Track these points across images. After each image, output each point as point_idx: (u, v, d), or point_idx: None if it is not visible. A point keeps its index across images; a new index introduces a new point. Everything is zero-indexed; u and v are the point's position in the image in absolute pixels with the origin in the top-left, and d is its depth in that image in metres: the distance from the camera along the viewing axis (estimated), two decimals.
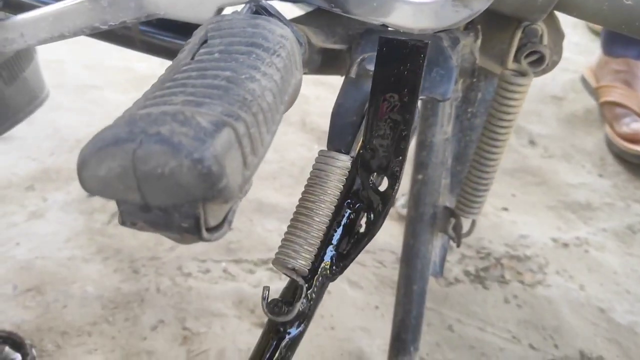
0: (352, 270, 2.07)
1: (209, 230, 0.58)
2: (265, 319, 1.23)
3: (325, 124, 2.88)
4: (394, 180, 0.98)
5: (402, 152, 0.96)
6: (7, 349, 1.72)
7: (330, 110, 1.03)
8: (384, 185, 1.03)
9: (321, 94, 3.25)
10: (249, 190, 0.70)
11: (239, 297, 1.92)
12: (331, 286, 1.96)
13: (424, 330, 1.83)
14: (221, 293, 1.93)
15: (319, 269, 1.00)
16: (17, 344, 1.72)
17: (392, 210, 2.41)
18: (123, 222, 0.59)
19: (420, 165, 1.38)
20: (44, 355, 1.71)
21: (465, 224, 1.44)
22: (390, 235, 2.25)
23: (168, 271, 2.02)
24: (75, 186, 2.46)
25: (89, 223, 2.25)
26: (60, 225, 2.23)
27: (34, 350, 1.71)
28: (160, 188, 0.53)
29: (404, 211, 2.37)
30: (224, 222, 0.61)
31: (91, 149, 0.55)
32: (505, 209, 2.38)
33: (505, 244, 2.18)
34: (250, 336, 1.78)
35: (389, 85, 0.92)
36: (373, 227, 1.03)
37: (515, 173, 2.61)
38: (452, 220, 1.42)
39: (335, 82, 3.35)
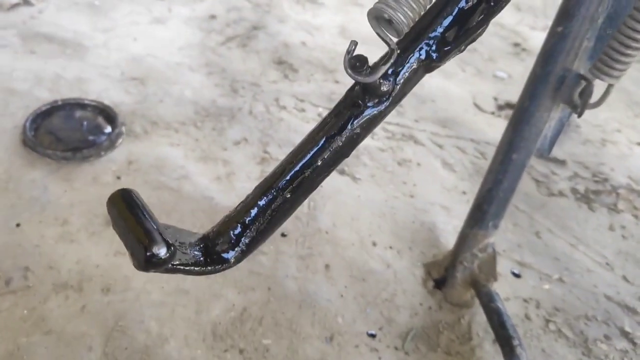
0: (450, 153, 1.91)
1: None
2: None
3: None
4: None
5: None
6: (100, 118, 1.79)
7: None
8: None
9: None
10: None
11: None
12: (422, 160, 1.83)
13: (508, 228, 1.68)
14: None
15: (417, 46, 0.87)
16: (110, 117, 1.78)
17: (510, 113, 2.18)
18: None
19: (563, 15, 1.16)
20: (131, 135, 1.76)
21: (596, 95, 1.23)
22: (502, 134, 2.05)
23: (265, 99, 1.98)
24: (201, 6, 2.45)
25: (205, 40, 2.24)
26: (178, 35, 2.24)
27: (123, 128, 1.76)
28: None
29: None
30: None
31: None
32: None
33: (628, 177, 1.91)
34: (330, 177, 1.71)
35: None
36: (491, 12, 0.87)
37: None
38: (581, 86, 1.20)
39: None
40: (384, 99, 0.88)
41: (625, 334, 1.42)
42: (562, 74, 1.22)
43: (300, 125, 1.89)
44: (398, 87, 0.88)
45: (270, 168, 1.72)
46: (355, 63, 0.83)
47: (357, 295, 1.42)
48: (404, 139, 1.91)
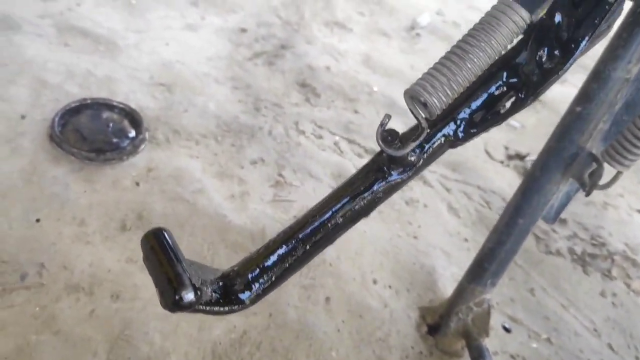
0: (457, 197, 1.97)
1: None
2: None
3: None
4: (568, 55, 0.87)
5: (592, 27, 0.84)
6: (125, 122, 1.84)
7: None
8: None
9: None
10: None
11: (339, 171, 1.90)
12: (429, 202, 1.88)
13: (504, 282, 1.73)
14: (325, 160, 1.92)
15: (445, 124, 0.93)
16: (136, 121, 1.83)
17: (519, 163, 2.25)
18: None
19: (584, 97, 1.22)
20: (153, 142, 1.81)
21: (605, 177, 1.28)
22: (508, 184, 2.11)
23: (285, 121, 2.04)
24: (234, 18, 2.51)
25: (233, 53, 2.30)
26: (208, 44, 2.30)
27: (147, 134, 1.82)
28: None
29: None
30: None
31: None
32: None
33: (625, 243, 1.97)
34: None
35: None
36: (520, 104, 0.92)
37: None
38: (593, 166, 1.26)
39: None
40: (409, 168, 0.94)
41: None
42: (575, 151, 1.28)
43: (316, 152, 1.95)
44: (422, 160, 0.94)
45: (283, 192, 1.78)
46: (387, 137, 0.89)
47: (352, 331, 1.48)
48: (415, 179, 1.97)
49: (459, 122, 0.92)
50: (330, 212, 0.94)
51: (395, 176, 0.94)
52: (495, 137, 2.32)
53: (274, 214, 1.70)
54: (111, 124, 1.81)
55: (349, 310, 1.52)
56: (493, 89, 0.92)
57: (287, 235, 0.95)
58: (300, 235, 0.94)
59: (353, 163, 1.96)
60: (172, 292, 0.77)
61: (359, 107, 2.23)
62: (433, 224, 1.85)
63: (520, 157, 2.25)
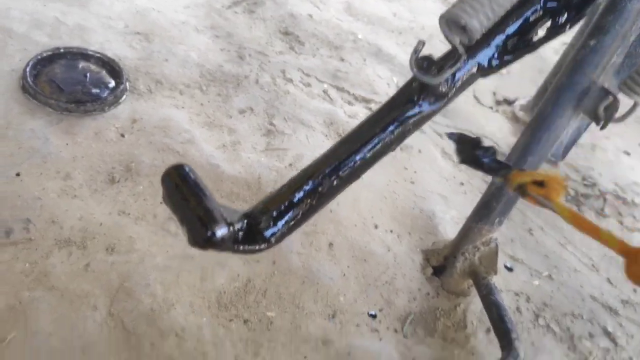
0: (449, 142, 1.94)
1: None
2: None
3: None
4: None
5: None
6: (104, 72, 1.73)
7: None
8: None
9: None
10: None
11: (330, 119, 1.84)
12: (422, 147, 1.85)
13: None
14: (315, 108, 1.86)
15: (481, 52, 0.88)
16: (115, 71, 1.72)
17: (507, 108, 2.23)
18: None
19: (597, 29, 1.19)
20: (135, 93, 1.71)
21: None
22: (498, 128, 2.09)
23: (271, 70, 1.95)
24: None
25: (211, 0, 2.18)
26: None
27: (127, 84, 1.71)
28: None
29: (521, 114, 2.19)
30: None
31: None
32: (627, 153, 2.15)
33: (615, 183, 1.98)
34: None
35: None
36: (557, 30, 0.89)
37: None
38: (607, 101, 1.24)
39: None
40: (440, 98, 0.88)
41: (607, 334, 1.49)
42: (587, 86, 1.24)
43: (306, 100, 1.87)
44: (454, 89, 0.88)
45: (276, 141, 1.71)
46: (423, 63, 0.83)
47: (358, 276, 1.44)
48: None
49: (493, 49, 0.87)
50: (358, 146, 0.88)
51: (426, 107, 0.89)
52: (483, 83, 2.29)
53: (268, 162, 1.63)
54: (88, 74, 1.69)
55: (352, 256, 1.48)
56: (529, 13, 0.87)
57: (313, 171, 0.89)
58: (326, 171, 0.88)
59: (344, 110, 1.90)
60: (203, 229, 0.71)
61: (345, 54, 2.16)
62: (428, 169, 1.81)
63: (508, 102, 2.23)
